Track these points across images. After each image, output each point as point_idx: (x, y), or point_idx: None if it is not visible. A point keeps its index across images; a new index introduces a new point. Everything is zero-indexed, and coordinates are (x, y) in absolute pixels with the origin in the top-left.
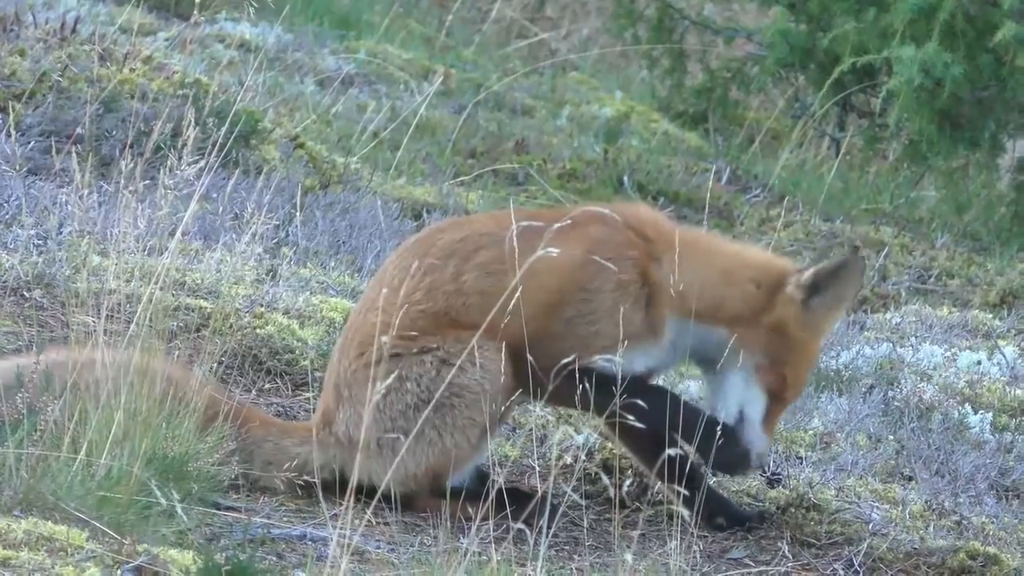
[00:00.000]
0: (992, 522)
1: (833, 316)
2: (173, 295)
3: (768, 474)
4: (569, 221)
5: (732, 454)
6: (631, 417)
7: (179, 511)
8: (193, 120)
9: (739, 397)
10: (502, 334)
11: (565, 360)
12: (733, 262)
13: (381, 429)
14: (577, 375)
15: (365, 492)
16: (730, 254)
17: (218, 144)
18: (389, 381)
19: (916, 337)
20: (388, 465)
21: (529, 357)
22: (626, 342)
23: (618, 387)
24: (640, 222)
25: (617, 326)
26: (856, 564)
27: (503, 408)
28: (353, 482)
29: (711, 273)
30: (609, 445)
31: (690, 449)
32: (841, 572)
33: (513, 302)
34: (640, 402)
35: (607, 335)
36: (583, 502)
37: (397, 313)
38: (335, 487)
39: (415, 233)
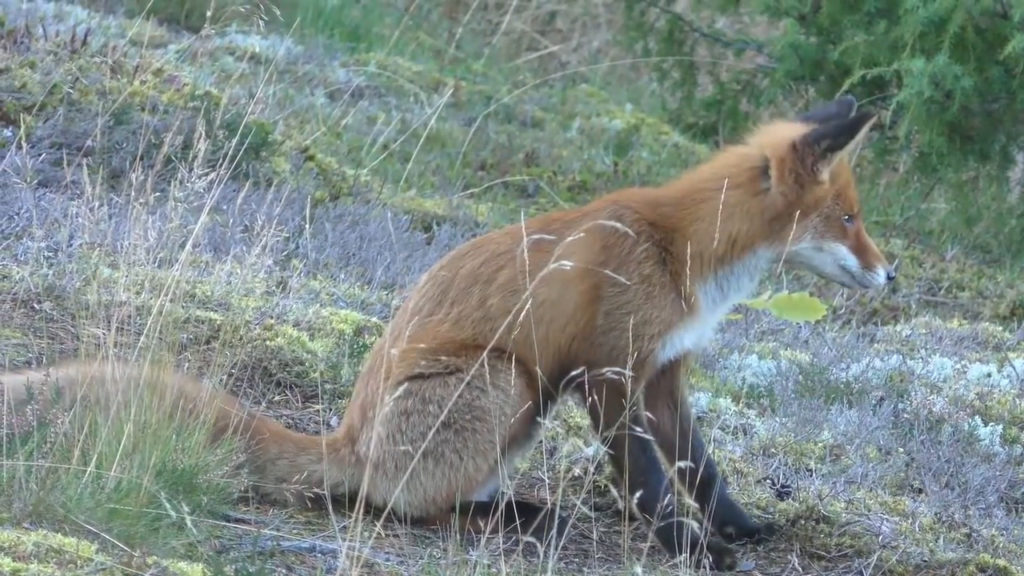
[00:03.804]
0: (1002, 534)
1: (843, 155)
2: (183, 307)
3: (778, 486)
4: (581, 235)
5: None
6: (639, 429)
7: (189, 523)
8: (203, 132)
9: (832, 263)
10: (524, 349)
11: (598, 371)
12: (726, 196)
13: (401, 451)
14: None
15: (380, 509)
16: (711, 189)
17: (228, 156)
18: (408, 402)
19: (926, 349)
20: (406, 487)
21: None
22: (670, 326)
23: (627, 400)
24: (640, 208)
25: (660, 310)
26: None
27: (524, 429)
28: (362, 498)
29: (712, 221)
30: None
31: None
32: None
33: (541, 315)
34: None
35: (654, 320)
36: (592, 514)
37: (428, 341)
38: (345, 500)
39: (427, 245)
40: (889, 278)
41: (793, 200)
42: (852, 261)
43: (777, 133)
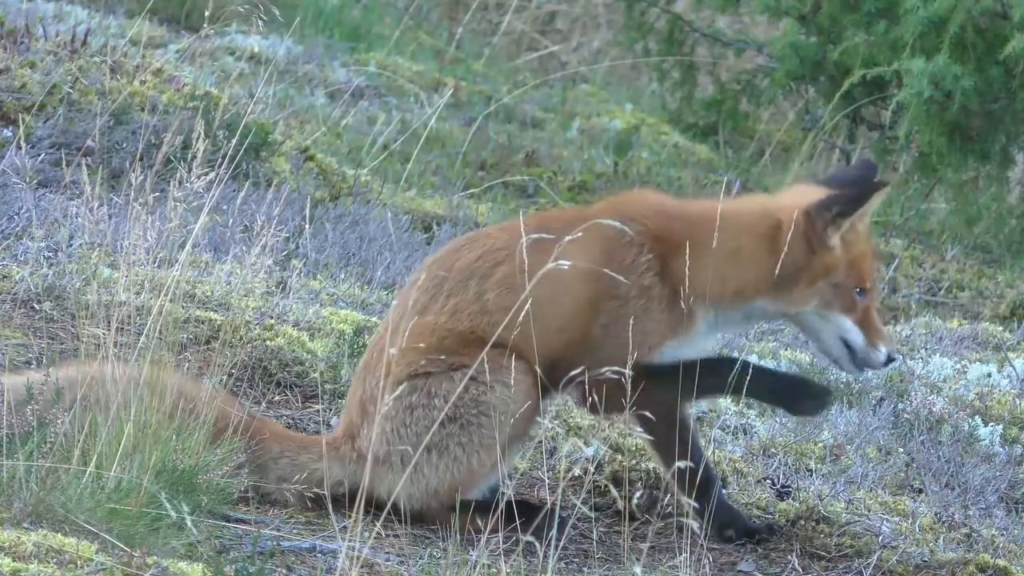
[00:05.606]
0: (1002, 534)
1: (862, 225)
2: (183, 307)
3: (778, 486)
4: (579, 234)
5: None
6: (646, 413)
7: (189, 523)
8: (203, 132)
9: (832, 335)
10: (525, 347)
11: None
12: (739, 240)
13: (406, 446)
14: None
15: (379, 507)
16: (732, 228)
17: (228, 156)
18: (413, 398)
19: (926, 349)
20: (410, 481)
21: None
22: (665, 339)
23: (627, 386)
24: (646, 216)
25: (657, 323)
26: None
27: (526, 426)
28: (362, 493)
29: (722, 259)
30: (619, 457)
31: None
32: None
33: (537, 314)
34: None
35: (651, 332)
36: (592, 514)
37: (427, 336)
38: (345, 500)
39: (427, 245)
40: (890, 359)
41: (802, 264)
42: (856, 335)
43: (800, 195)
